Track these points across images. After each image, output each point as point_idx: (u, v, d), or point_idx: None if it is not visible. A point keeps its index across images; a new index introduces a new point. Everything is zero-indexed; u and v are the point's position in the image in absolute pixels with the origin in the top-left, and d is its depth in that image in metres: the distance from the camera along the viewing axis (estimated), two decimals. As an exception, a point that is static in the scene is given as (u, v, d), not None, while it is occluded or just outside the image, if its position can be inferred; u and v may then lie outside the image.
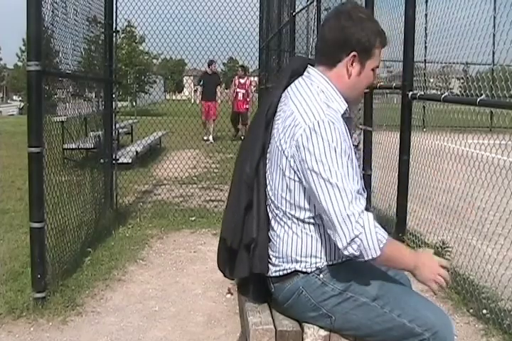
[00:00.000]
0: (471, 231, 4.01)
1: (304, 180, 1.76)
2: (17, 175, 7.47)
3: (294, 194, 1.80)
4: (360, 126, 4.91)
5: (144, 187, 7.03)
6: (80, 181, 4.52)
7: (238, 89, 13.66)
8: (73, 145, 5.92)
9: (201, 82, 13.50)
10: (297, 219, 1.83)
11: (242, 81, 13.80)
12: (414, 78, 4.21)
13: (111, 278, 3.88)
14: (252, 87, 13.84)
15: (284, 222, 1.86)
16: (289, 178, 1.80)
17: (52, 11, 3.68)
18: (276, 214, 1.87)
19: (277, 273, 1.89)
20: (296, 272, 1.85)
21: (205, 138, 12.83)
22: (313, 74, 1.87)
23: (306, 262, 1.84)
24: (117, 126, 6.12)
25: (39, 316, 3.21)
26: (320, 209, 1.73)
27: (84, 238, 4.33)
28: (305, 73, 1.90)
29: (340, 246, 1.69)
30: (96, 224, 4.77)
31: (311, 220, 1.81)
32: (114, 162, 5.54)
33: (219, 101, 13.44)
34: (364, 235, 1.66)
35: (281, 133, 1.81)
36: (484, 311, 3.19)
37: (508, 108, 3.13)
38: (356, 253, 1.68)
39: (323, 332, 1.85)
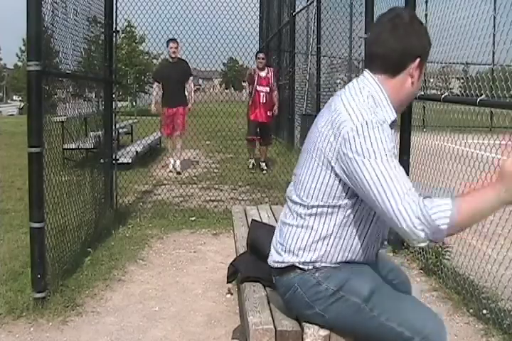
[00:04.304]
0: (471, 231, 4.00)
1: (351, 173, 1.69)
2: (17, 175, 7.47)
3: (318, 181, 1.78)
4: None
5: (144, 187, 7.03)
6: (80, 181, 4.52)
7: (259, 87, 8.69)
8: (73, 145, 5.93)
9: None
10: (305, 206, 1.81)
11: (262, 74, 8.75)
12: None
13: (111, 278, 3.88)
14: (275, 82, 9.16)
15: (295, 211, 1.85)
16: (318, 164, 1.77)
17: (52, 11, 3.68)
18: (291, 200, 1.88)
19: (277, 265, 1.90)
20: (293, 267, 1.85)
21: (171, 164, 8.42)
22: (368, 79, 1.83)
23: (303, 257, 1.83)
24: (117, 126, 6.12)
25: (39, 316, 3.21)
26: (373, 200, 1.66)
27: (84, 238, 4.33)
28: (360, 76, 1.87)
29: (401, 233, 1.62)
30: (96, 224, 4.77)
31: (323, 210, 1.79)
32: (114, 162, 5.55)
33: (189, 105, 8.56)
34: (424, 226, 1.58)
35: (326, 125, 1.77)
36: (484, 311, 3.19)
37: (508, 108, 3.13)
38: (425, 242, 1.61)
39: (323, 332, 1.85)
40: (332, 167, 1.74)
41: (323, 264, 1.83)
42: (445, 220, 1.57)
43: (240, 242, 2.89)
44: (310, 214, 1.82)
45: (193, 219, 5.60)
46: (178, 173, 8.16)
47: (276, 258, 1.91)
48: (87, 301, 3.48)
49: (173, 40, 8.08)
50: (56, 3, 3.77)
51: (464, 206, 1.60)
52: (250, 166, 8.63)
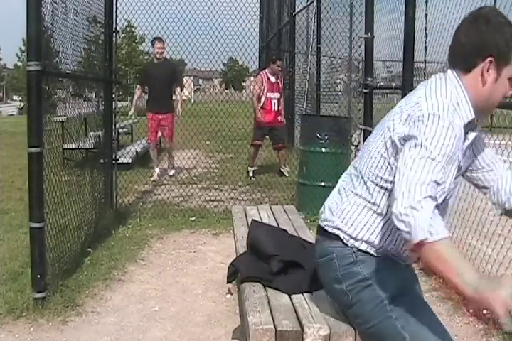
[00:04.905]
0: (471, 231, 4.01)
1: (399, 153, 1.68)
2: (17, 175, 7.46)
3: (380, 160, 1.77)
4: (360, 126, 4.91)
5: (144, 187, 7.03)
6: (80, 181, 4.52)
7: (269, 94, 7.83)
8: (73, 145, 5.94)
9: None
10: (361, 179, 1.81)
11: (273, 79, 7.90)
12: (414, 78, 4.21)
13: (111, 278, 3.88)
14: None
15: (355, 179, 1.84)
16: (384, 142, 1.75)
17: (52, 11, 3.68)
18: (354, 169, 1.87)
19: (325, 224, 1.89)
20: (337, 237, 1.84)
21: (155, 174, 7.77)
22: (451, 77, 1.78)
23: (350, 230, 1.82)
24: (117, 126, 6.12)
25: (39, 316, 3.21)
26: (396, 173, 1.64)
27: (84, 238, 4.33)
28: (444, 73, 1.82)
29: (393, 210, 1.57)
30: (96, 224, 4.77)
31: (377, 188, 1.77)
32: (114, 162, 5.55)
33: (178, 111, 7.94)
34: (419, 213, 1.52)
35: (403, 108, 1.75)
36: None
37: (508, 108, 3.13)
38: (406, 229, 1.53)
39: (323, 332, 1.85)
40: (397, 149, 1.70)
41: (366, 248, 1.81)
42: (435, 229, 1.51)
43: (239, 242, 2.89)
44: (364, 187, 1.80)
45: (193, 219, 5.59)
46: (171, 175, 7.84)
47: (328, 216, 1.89)
48: (87, 301, 3.48)
49: (159, 38, 7.62)
50: (56, 3, 3.77)
51: (451, 247, 1.55)
52: (251, 174, 7.87)
